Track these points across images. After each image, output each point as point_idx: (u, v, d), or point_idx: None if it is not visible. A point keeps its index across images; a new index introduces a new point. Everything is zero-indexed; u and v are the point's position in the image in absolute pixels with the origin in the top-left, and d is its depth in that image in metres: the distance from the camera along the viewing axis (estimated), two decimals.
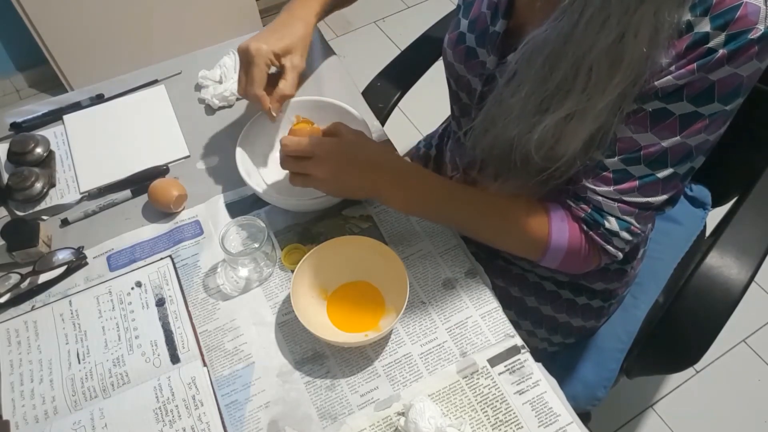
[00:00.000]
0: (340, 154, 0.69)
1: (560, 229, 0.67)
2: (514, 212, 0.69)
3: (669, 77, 0.57)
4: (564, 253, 0.68)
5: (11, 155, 0.86)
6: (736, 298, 0.72)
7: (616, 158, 0.63)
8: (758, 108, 0.76)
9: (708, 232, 1.00)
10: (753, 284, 0.74)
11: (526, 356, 0.67)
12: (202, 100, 0.95)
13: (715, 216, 0.91)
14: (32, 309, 0.74)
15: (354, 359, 0.68)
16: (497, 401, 0.64)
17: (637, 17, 0.52)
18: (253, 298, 0.74)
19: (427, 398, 0.63)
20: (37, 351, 0.70)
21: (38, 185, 0.83)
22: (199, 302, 0.73)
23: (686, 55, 0.56)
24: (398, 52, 1.11)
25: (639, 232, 0.66)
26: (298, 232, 0.79)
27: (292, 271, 0.70)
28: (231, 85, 0.93)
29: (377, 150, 0.71)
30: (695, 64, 0.55)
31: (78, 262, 0.77)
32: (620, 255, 0.68)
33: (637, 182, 0.63)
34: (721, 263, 0.74)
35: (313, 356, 0.69)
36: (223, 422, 0.64)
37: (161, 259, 0.77)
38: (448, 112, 0.95)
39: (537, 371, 0.66)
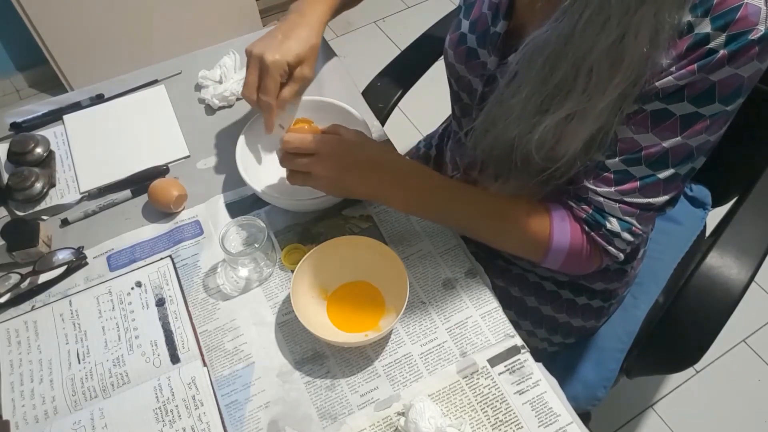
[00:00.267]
0: (342, 153, 0.69)
1: (562, 230, 0.67)
2: (515, 213, 0.69)
3: (669, 78, 0.57)
4: (565, 254, 0.68)
5: (11, 155, 0.86)
6: (736, 298, 0.72)
7: (617, 159, 0.63)
8: (758, 108, 0.76)
9: (708, 232, 1.00)
10: (753, 284, 0.74)
11: (526, 356, 0.67)
12: (202, 100, 0.95)
13: (715, 216, 0.91)
14: (32, 309, 0.74)
15: (354, 359, 0.68)
16: (497, 401, 0.64)
17: (638, 18, 0.52)
18: (253, 298, 0.74)
19: (427, 398, 0.63)
20: (37, 351, 0.70)
21: (38, 185, 0.83)
22: (199, 302, 0.73)
23: (687, 55, 0.56)
24: (398, 52, 1.11)
25: (640, 232, 0.66)
26: (298, 232, 0.79)
27: (292, 271, 0.70)
28: (231, 85, 0.93)
29: (378, 150, 0.71)
30: (696, 65, 0.55)
31: (78, 262, 0.77)
32: (621, 256, 0.68)
33: (638, 183, 0.63)
34: (721, 263, 0.74)
35: (313, 356, 0.69)
36: (223, 422, 0.64)
37: (161, 259, 0.77)
38: (448, 112, 0.95)
39: (537, 371, 0.66)
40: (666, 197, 0.64)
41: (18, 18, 1.75)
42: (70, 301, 0.74)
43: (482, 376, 0.66)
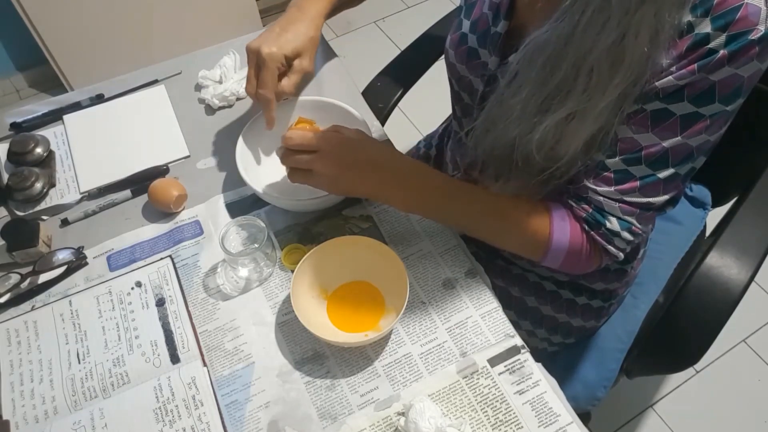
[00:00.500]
0: (344, 151, 0.69)
1: (561, 229, 0.67)
2: (515, 212, 0.69)
3: (670, 78, 0.57)
4: (565, 253, 0.68)
5: (11, 155, 0.86)
6: (736, 298, 0.72)
7: (617, 158, 0.63)
8: (758, 108, 0.76)
9: (708, 232, 1.00)
10: (753, 284, 0.74)
11: (526, 356, 0.67)
12: (202, 100, 0.95)
13: (715, 216, 0.91)
14: (32, 309, 0.74)
15: (354, 359, 0.68)
16: (497, 401, 0.64)
17: (638, 18, 0.52)
18: (253, 298, 0.74)
19: (427, 398, 0.63)
20: (37, 351, 0.70)
21: (38, 185, 0.83)
22: (199, 302, 0.73)
23: (687, 55, 0.56)
24: (398, 52, 1.11)
25: (640, 232, 0.66)
26: (298, 232, 0.79)
27: (292, 271, 0.70)
28: (231, 85, 0.93)
29: (379, 149, 0.71)
30: (696, 65, 0.56)
31: (78, 262, 0.77)
32: (621, 255, 0.68)
33: (638, 182, 0.63)
34: (721, 263, 0.74)
35: (313, 356, 0.69)
36: (223, 422, 0.64)
37: (161, 259, 0.77)
38: (448, 112, 0.95)
39: (537, 371, 0.66)
40: (666, 197, 0.64)
41: (18, 18, 1.75)
42: (70, 301, 0.74)
43: (482, 376, 0.66)
